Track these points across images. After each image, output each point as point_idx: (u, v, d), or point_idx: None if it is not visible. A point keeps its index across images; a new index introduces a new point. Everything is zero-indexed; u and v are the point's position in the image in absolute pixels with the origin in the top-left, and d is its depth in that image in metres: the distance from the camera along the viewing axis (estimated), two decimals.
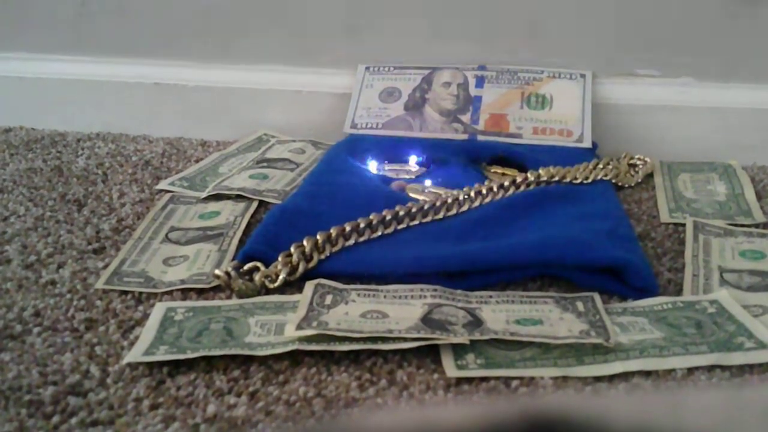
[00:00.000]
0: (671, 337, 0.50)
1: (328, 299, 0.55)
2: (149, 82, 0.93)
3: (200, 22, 0.90)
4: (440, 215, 0.67)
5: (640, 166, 0.80)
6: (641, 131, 0.85)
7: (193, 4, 0.90)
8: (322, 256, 0.60)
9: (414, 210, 0.66)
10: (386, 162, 0.80)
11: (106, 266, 0.61)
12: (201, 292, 0.58)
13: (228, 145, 0.88)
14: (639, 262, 0.58)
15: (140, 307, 0.56)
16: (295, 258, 0.59)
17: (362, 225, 0.63)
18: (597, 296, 0.55)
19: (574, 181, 0.73)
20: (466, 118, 0.85)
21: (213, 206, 0.71)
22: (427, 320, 0.51)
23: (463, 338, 0.49)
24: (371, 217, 0.63)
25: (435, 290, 0.55)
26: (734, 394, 0.24)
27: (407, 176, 0.77)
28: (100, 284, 0.58)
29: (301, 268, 0.59)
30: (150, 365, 0.49)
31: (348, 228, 0.62)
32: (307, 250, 0.60)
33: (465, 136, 0.84)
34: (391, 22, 0.88)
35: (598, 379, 0.47)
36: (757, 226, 0.68)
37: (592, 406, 0.19)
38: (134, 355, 0.49)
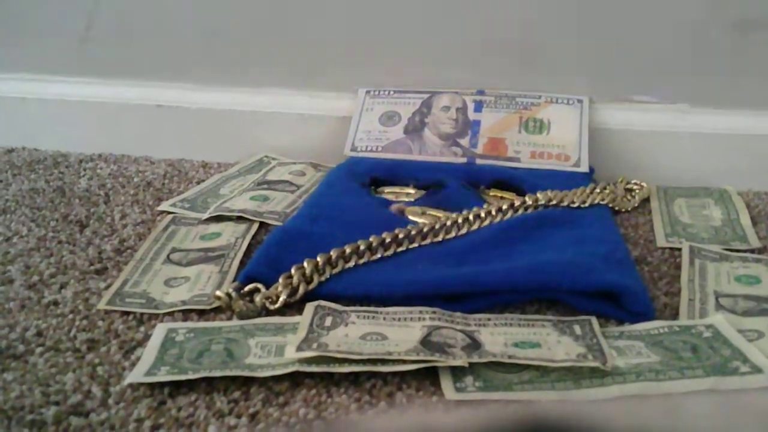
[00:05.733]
0: (668, 361, 0.51)
1: (328, 321, 0.55)
2: (152, 104, 0.94)
3: (203, 46, 0.92)
4: (439, 238, 0.68)
5: (637, 191, 0.81)
6: (638, 156, 0.86)
7: (195, 28, 0.91)
8: (323, 278, 0.61)
9: (413, 233, 0.66)
10: (386, 185, 0.81)
11: (108, 287, 0.62)
12: (202, 313, 0.58)
13: (229, 167, 0.89)
14: (635, 287, 0.59)
15: (142, 328, 0.56)
16: (295, 280, 0.59)
17: (362, 247, 0.63)
18: (594, 320, 0.56)
19: (572, 205, 0.73)
20: (464, 141, 0.86)
21: (214, 228, 0.72)
22: (426, 342, 0.52)
23: (461, 361, 0.50)
24: (371, 239, 0.64)
25: (434, 312, 0.56)
26: (730, 399, 0.24)
27: (407, 199, 0.78)
28: (102, 305, 0.59)
29: (301, 290, 0.59)
30: (151, 386, 0.49)
31: (348, 250, 0.63)
32: (308, 271, 0.60)
33: (464, 160, 0.85)
34: (391, 47, 0.89)
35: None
36: (752, 251, 0.68)
37: (591, 410, 0.20)
38: (136, 375, 0.50)
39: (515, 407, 0.19)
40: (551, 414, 0.19)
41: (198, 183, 0.84)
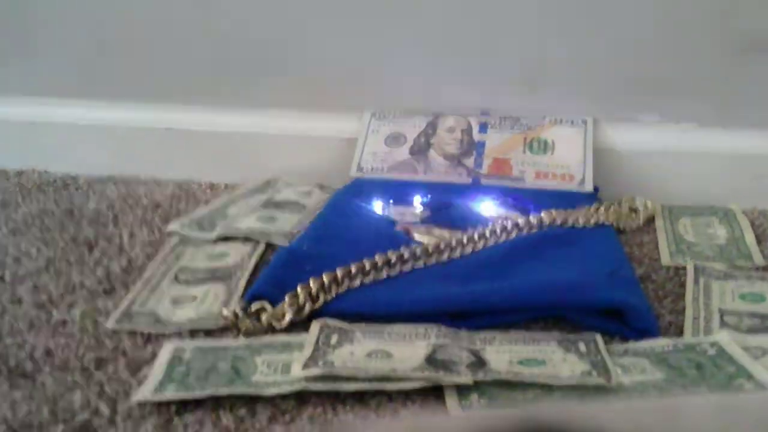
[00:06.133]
0: (672, 378, 0.51)
1: (334, 339, 0.56)
2: (160, 126, 0.95)
3: (211, 69, 0.93)
4: (444, 257, 0.68)
5: (641, 210, 0.81)
6: (642, 176, 0.86)
7: (203, 52, 0.92)
8: (328, 297, 0.61)
9: (418, 252, 0.67)
10: (391, 205, 0.82)
11: (116, 306, 0.62)
12: (209, 332, 0.59)
13: (236, 187, 0.90)
14: (640, 305, 0.59)
15: (149, 347, 0.57)
16: (301, 298, 0.60)
17: (368, 266, 0.64)
18: (599, 337, 0.56)
19: (576, 225, 0.74)
20: (469, 162, 0.87)
21: (221, 248, 0.72)
22: (431, 360, 0.52)
23: (467, 378, 0.50)
24: (376, 258, 0.65)
25: (439, 330, 0.56)
26: (728, 401, 0.24)
27: (412, 219, 0.78)
28: (110, 324, 0.59)
29: (307, 309, 0.60)
30: (158, 404, 0.50)
31: (354, 269, 0.63)
32: (314, 290, 0.61)
33: (469, 180, 0.85)
34: (396, 69, 0.90)
35: None
36: (757, 269, 0.68)
37: (590, 413, 0.20)
38: (143, 393, 0.50)
39: (515, 411, 0.19)
40: (551, 417, 0.19)
41: (206, 204, 0.85)
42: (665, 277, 0.68)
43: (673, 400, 0.42)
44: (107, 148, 0.96)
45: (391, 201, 0.82)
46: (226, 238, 0.74)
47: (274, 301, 0.60)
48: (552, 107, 0.89)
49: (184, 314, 0.61)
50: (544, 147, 0.86)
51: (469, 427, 0.19)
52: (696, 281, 0.65)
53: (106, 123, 0.96)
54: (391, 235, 0.73)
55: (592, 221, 0.75)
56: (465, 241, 0.70)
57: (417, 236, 0.73)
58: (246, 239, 0.74)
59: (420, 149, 0.88)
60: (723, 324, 0.58)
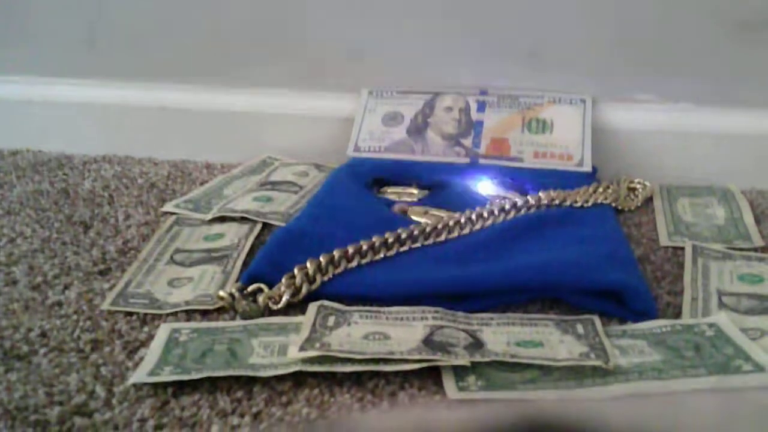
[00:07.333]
0: (670, 359, 0.51)
1: (331, 321, 0.55)
2: (155, 105, 0.94)
3: (206, 48, 0.92)
4: (442, 238, 0.68)
5: (640, 190, 0.81)
6: (641, 156, 0.86)
7: (198, 30, 0.91)
8: (325, 278, 0.61)
9: (416, 232, 0.67)
10: (388, 185, 0.81)
11: (111, 287, 0.62)
12: (205, 314, 0.58)
13: (232, 167, 0.89)
14: (638, 286, 0.59)
15: (145, 328, 0.56)
16: (298, 280, 0.60)
17: (365, 247, 0.63)
18: (597, 319, 0.56)
19: (574, 205, 0.73)
20: (467, 142, 0.86)
21: (217, 228, 0.72)
22: (428, 342, 0.52)
23: (464, 360, 0.50)
24: (373, 239, 0.64)
25: (436, 312, 0.56)
26: (729, 396, 0.24)
27: (409, 199, 0.78)
28: (106, 305, 0.59)
29: (304, 290, 0.59)
30: (155, 386, 0.49)
31: (351, 250, 0.63)
32: (310, 271, 0.60)
33: (466, 160, 0.85)
34: (393, 48, 0.89)
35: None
36: (755, 250, 0.68)
37: (590, 408, 0.20)
38: (139, 375, 0.50)
39: (515, 406, 0.19)
40: (551, 412, 0.19)
41: (201, 184, 0.85)
42: (663, 258, 0.67)
43: (674, 390, 0.42)
44: (102, 128, 0.95)
45: (388, 181, 0.82)
46: (222, 219, 0.74)
47: (271, 283, 0.59)
48: (550, 86, 0.88)
49: (181, 295, 0.60)
50: (543, 127, 0.86)
51: (471, 421, 0.19)
52: (694, 262, 0.65)
53: (101, 102, 0.95)
54: (388, 216, 0.73)
55: (591, 201, 0.74)
56: (462, 221, 0.69)
57: (414, 217, 0.72)
58: (242, 219, 0.73)
59: (417, 129, 0.88)
60: (721, 305, 0.58)
